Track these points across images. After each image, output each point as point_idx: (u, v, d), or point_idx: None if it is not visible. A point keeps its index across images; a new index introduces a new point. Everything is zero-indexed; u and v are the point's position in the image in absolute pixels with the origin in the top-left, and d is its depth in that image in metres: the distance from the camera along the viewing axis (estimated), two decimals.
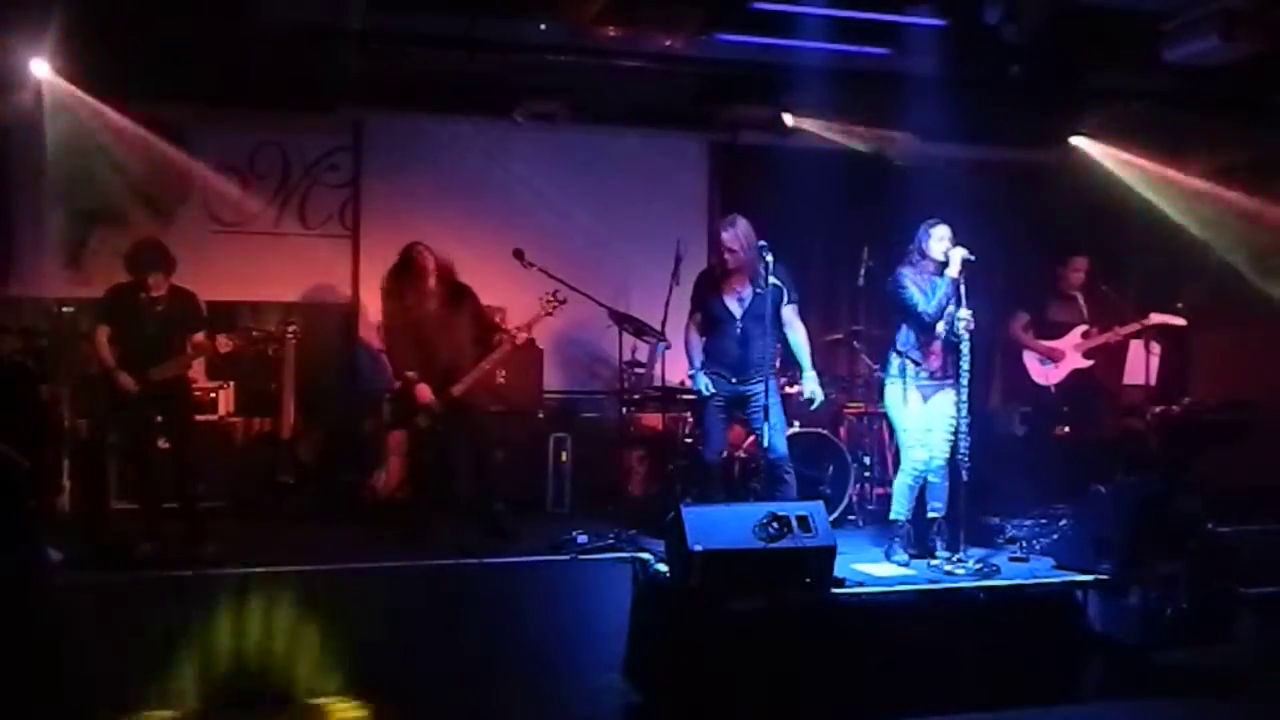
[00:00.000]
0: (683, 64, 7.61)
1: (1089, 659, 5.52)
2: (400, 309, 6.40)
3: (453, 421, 6.40)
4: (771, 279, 5.80)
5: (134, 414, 6.16)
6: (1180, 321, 7.42)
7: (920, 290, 5.85)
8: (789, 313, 6.03)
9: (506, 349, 6.41)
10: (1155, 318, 7.37)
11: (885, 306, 6.44)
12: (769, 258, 5.77)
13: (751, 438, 6.37)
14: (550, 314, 6.53)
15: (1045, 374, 7.51)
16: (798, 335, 6.07)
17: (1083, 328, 7.48)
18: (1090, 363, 7.46)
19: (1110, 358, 7.87)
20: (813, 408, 6.23)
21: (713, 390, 6.01)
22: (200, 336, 6.23)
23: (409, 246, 6.44)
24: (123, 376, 6.00)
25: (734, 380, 5.98)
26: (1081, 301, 7.59)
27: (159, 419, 6.21)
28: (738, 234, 5.93)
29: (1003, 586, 5.52)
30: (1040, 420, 7.68)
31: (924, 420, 5.91)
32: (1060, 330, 7.52)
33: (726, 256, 5.94)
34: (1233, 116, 8.23)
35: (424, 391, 6.31)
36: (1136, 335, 7.55)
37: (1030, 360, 7.55)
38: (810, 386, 6.08)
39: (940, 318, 5.79)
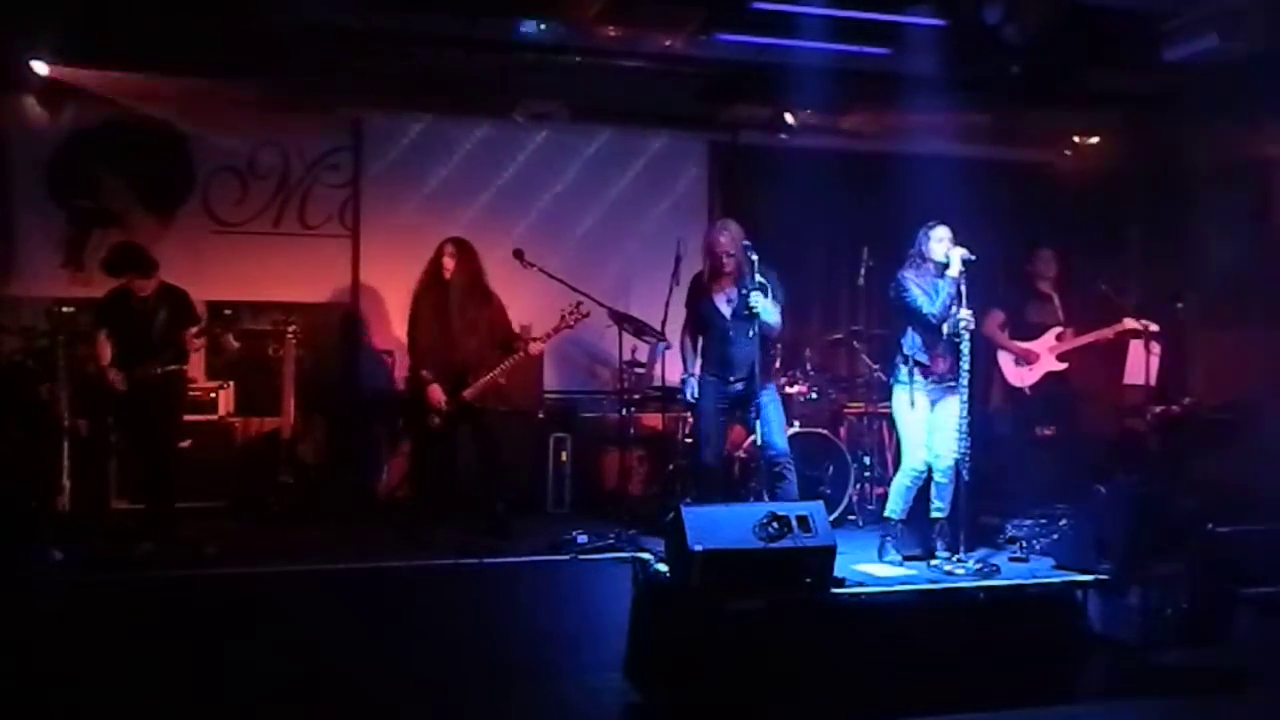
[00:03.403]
0: (683, 64, 7.61)
1: (1089, 659, 5.52)
2: (424, 306, 6.46)
3: (463, 422, 6.42)
4: (758, 278, 5.79)
5: (130, 413, 6.19)
6: (1154, 327, 7.38)
7: (924, 292, 5.85)
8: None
9: (520, 358, 6.43)
10: (1128, 323, 7.35)
11: (888, 310, 6.43)
12: (754, 257, 5.78)
13: (751, 438, 6.37)
14: (571, 327, 6.55)
15: (1019, 375, 7.45)
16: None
17: (1057, 329, 7.44)
18: (1064, 366, 7.40)
19: (1108, 358, 7.86)
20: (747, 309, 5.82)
21: (698, 395, 6.03)
22: (194, 331, 6.32)
23: (440, 244, 6.50)
24: (112, 373, 6.11)
25: (729, 380, 5.99)
26: (1057, 302, 7.55)
27: (156, 418, 6.25)
28: (732, 237, 5.96)
29: (1003, 586, 5.52)
30: (1019, 422, 7.59)
31: (930, 424, 5.91)
32: (1036, 331, 7.46)
33: (724, 260, 5.96)
34: (1233, 116, 8.23)
35: (436, 392, 6.33)
36: (1122, 337, 7.53)
37: (1005, 361, 7.49)
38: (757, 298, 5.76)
39: (945, 319, 5.78)
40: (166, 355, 6.26)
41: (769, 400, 5.92)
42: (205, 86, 7.53)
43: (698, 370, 6.12)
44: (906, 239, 6.04)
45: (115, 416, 6.34)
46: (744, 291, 5.87)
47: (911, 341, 5.93)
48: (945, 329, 5.80)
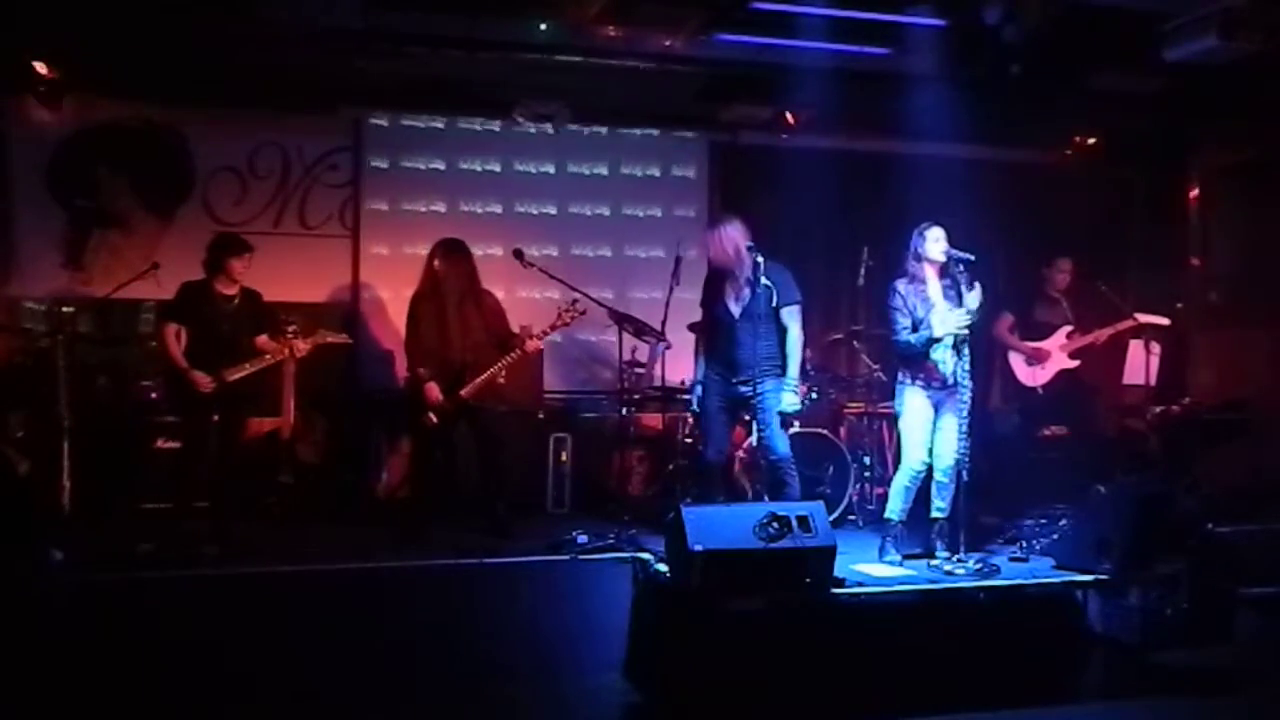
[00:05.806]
0: (683, 64, 7.61)
1: (1089, 659, 5.52)
2: (420, 310, 6.47)
3: (461, 420, 6.42)
4: (763, 280, 5.78)
5: (203, 414, 6.14)
6: (1165, 321, 7.41)
7: (908, 310, 5.83)
8: (786, 315, 5.96)
9: (517, 355, 6.43)
10: (1141, 317, 7.37)
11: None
12: (759, 259, 5.77)
13: (751, 438, 6.37)
14: (568, 324, 6.55)
15: (1032, 375, 7.48)
16: (790, 338, 5.99)
17: (1067, 328, 7.46)
18: (1077, 364, 7.43)
19: (1108, 358, 7.88)
20: (786, 414, 6.07)
21: (697, 409, 6.05)
22: (264, 338, 6.29)
23: (432, 248, 6.52)
24: (199, 376, 6.00)
25: (733, 380, 5.96)
26: (1066, 304, 7.58)
27: (214, 418, 6.20)
28: (718, 238, 5.92)
29: (1003, 586, 5.51)
30: (1028, 421, 7.65)
31: (932, 425, 5.91)
32: (1045, 331, 7.49)
33: (724, 257, 5.92)
34: (1233, 116, 8.24)
35: (433, 390, 6.33)
36: (1124, 335, 7.54)
37: (1016, 361, 7.52)
38: (786, 397, 5.96)
39: (928, 337, 5.76)
40: (250, 361, 6.18)
41: (771, 404, 5.90)
42: (205, 87, 7.53)
43: (700, 375, 6.11)
44: (907, 239, 6.02)
45: (189, 418, 6.22)
46: (757, 292, 5.83)
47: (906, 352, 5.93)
48: (943, 335, 5.76)
